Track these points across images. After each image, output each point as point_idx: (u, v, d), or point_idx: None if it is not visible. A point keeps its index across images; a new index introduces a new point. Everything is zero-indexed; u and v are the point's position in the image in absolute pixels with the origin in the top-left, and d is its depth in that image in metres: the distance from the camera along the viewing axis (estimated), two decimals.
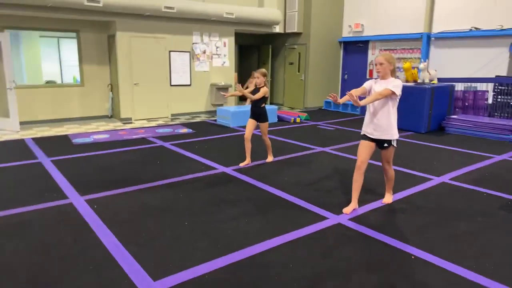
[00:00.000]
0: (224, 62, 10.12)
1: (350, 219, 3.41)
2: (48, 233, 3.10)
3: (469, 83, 8.06)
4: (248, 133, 5.10)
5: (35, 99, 8.23)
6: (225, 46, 10.06)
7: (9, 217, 3.40)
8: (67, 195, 3.94)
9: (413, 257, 2.77)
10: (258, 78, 4.97)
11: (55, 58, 13.02)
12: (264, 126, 5.11)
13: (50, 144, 6.27)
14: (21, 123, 7.76)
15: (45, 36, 12.20)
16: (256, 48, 12.40)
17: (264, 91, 4.94)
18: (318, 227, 3.25)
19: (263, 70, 5.05)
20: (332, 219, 3.41)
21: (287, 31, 11.00)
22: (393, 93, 3.32)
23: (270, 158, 5.33)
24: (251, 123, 5.11)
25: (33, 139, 6.69)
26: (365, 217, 3.47)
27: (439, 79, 8.15)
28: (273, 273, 2.55)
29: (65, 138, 6.76)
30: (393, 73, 3.42)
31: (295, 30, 10.78)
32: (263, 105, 5.07)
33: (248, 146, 5.13)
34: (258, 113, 5.07)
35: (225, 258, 2.72)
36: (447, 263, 2.68)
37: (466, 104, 8.06)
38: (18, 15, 7.50)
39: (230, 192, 4.08)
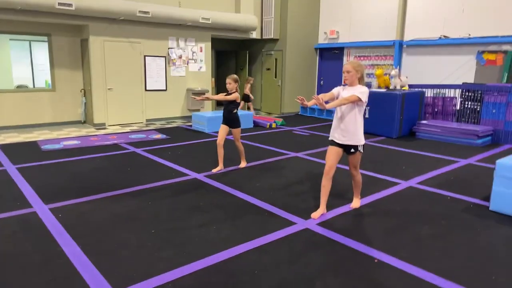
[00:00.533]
0: (200, 67, 10.10)
1: (318, 224, 3.44)
2: (8, 243, 3.00)
3: (438, 90, 8.31)
4: (220, 139, 5.09)
5: (4, 104, 7.99)
6: (201, 51, 10.04)
7: None
8: (31, 203, 3.83)
9: (376, 260, 2.82)
10: (229, 84, 4.98)
11: (27, 62, 12.68)
12: (237, 132, 5.12)
13: (17, 151, 6.09)
14: None
15: (15, 39, 11.88)
16: (234, 53, 12.43)
17: (235, 96, 4.96)
18: (286, 232, 3.27)
19: (235, 76, 5.07)
20: (300, 224, 3.43)
21: (264, 37, 11.09)
22: (359, 99, 3.39)
23: (243, 164, 5.34)
24: (223, 129, 5.12)
25: (0, 145, 6.48)
26: (333, 221, 3.52)
27: (410, 86, 8.37)
28: (238, 280, 2.54)
29: (34, 145, 6.58)
30: (361, 80, 3.49)
31: (272, 36, 10.88)
32: (235, 110, 5.08)
33: (220, 152, 5.12)
34: (230, 119, 5.08)
35: (191, 266, 2.70)
36: (410, 265, 2.74)
37: (436, 110, 8.29)
38: None
39: (200, 199, 4.06)
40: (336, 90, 3.60)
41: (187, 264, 2.72)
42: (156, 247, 2.99)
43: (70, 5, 7.28)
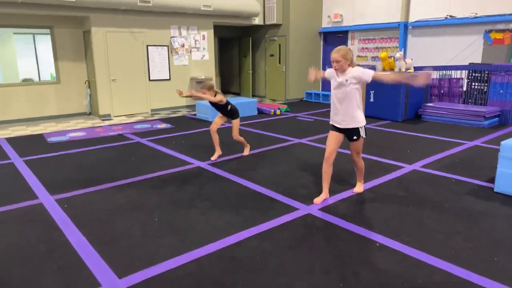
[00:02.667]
0: (203, 56, 10.05)
1: (319, 209, 3.45)
2: (14, 233, 3.07)
3: (444, 71, 8.17)
4: (214, 125, 5.07)
5: (11, 98, 8.06)
6: (204, 39, 9.98)
7: None
8: (37, 195, 3.90)
9: (378, 244, 2.83)
10: (204, 93, 4.80)
11: (32, 55, 12.76)
12: (236, 123, 5.07)
13: (24, 144, 6.17)
14: None
15: (19, 33, 11.93)
16: (237, 40, 12.33)
17: (217, 99, 4.79)
18: (288, 218, 3.29)
19: (207, 84, 4.89)
20: (302, 210, 3.44)
21: (267, 22, 10.96)
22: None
23: (246, 151, 5.33)
24: (220, 118, 5.09)
25: (7, 139, 6.57)
26: (335, 206, 3.52)
27: (416, 68, 8.24)
28: (239, 266, 2.57)
29: (40, 137, 6.66)
30: (351, 63, 3.41)
31: (275, 22, 10.75)
32: (229, 107, 5.00)
33: (215, 137, 5.10)
34: (228, 113, 5.04)
35: (192, 253, 2.73)
36: (412, 249, 2.74)
37: (442, 91, 8.17)
38: None
39: (203, 187, 4.09)
40: (328, 73, 3.55)
41: (189, 251, 2.75)
42: (159, 235, 3.03)
43: None
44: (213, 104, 4.93)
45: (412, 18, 9.30)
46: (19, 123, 8.10)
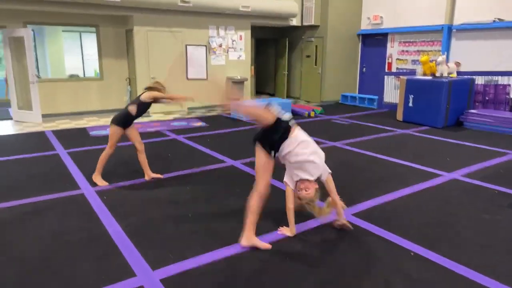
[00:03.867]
0: (240, 56, 10.14)
1: (353, 214, 3.40)
2: (58, 221, 3.25)
3: (490, 77, 7.79)
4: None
5: (58, 92, 8.51)
6: (241, 39, 10.07)
7: (23, 205, 3.57)
8: (79, 185, 4.10)
9: (412, 253, 2.75)
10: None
11: (78, 52, 13.40)
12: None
13: (68, 136, 6.50)
14: (44, 115, 8.06)
15: (67, 30, 12.55)
16: (273, 41, 12.35)
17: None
18: (320, 221, 3.26)
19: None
20: (334, 215, 3.40)
21: (304, 23, 10.90)
22: None
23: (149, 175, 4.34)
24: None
25: (53, 131, 6.95)
26: (368, 212, 3.46)
27: (459, 73, 7.91)
28: (269, 266, 2.59)
29: (83, 131, 6.99)
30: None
31: (312, 23, 10.67)
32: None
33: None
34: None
35: (224, 250, 2.78)
36: (448, 260, 2.64)
37: (487, 98, 7.80)
38: (39, 11, 7.74)
39: (236, 186, 4.14)
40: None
41: (221, 248, 2.80)
42: (192, 230, 3.10)
43: None
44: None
45: (456, 21, 8.93)
46: (64, 116, 8.53)
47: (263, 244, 2.81)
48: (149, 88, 4.12)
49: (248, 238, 2.81)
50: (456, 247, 2.84)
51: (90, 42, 12.46)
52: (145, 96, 4.06)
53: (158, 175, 4.38)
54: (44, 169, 4.70)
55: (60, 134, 6.67)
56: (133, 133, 4.25)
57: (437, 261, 2.64)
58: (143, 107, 4.12)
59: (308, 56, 11.40)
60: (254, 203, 2.79)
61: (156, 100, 4.11)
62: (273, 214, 3.26)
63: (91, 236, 2.99)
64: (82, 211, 3.46)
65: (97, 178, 4.17)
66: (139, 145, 4.28)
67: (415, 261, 2.65)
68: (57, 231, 3.07)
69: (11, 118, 8.22)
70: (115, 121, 4.13)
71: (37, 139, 6.32)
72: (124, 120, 4.13)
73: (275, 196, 3.24)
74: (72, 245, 2.86)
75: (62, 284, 2.38)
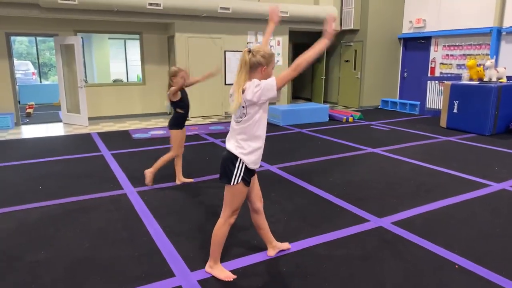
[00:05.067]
0: (278, 61, 10.17)
1: (392, 223, 3.30)
2: (103, 220, 3.40)
3: None
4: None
5: (103, 96, 8.93)
6: (279, 45, 10.11)
7: (71, 203, 3.77)
8: (122, 186, 4.27)
9: (457, 266, 2.62)
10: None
11: (122, 58, 14.02)
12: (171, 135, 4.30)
13: (112, 139, 6.80)
14: (90, 118, 8.48)
15: (113, 38, 13.16)
16: (311, 45, 12.26)
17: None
18: (358, 229, 3.19)
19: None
20: (373, 222, 3.32)
21: (343, 28, 10.77)
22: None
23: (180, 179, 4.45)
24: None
25: (99, 133, 7.29)
26: (410, 221, 3.34)
27: (509, 78, 7.48)
28: (306, 273, 2.56)
29: (126, 133, 7.28)
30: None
31: (352, 27, 10.52)
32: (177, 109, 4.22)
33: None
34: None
35: (260, 255, 2.78)
36: (496, 275, 2.50)
37: None
38: (88, 20, 8.18)
39: (273, 190, 4.14)
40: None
41: (257, 253, 2.81)
42: (230, 233, 3.12)
43: (158, 4, 7.85)
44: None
45: (506, 23, 8.47)
46: (109, 119, 8.93)
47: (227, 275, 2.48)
48: (168, 86, 4.06)
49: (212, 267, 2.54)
50: (506, 262, 2.67)
51: (134, 48, 13.02)
52: (169, 97, 4.06)
53: (190, 180, 4.47)
54: (90, 169, 4.94)
55: (105, 136, 6.99)
56: (174, 135, 4.33)
57: (484, 276, 2.50)
58: (179, 103, 4.14)
59: (347, 61, 11.24)
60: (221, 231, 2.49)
61: (182, 87, 4.03)
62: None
63: (133, 235, 3.10)
64: (125, 210, 3.60)
65: (148, 173, 4.25)
66: (181, 149, 4.35)
67: (460, 275, 2.52)
68: (101, 229, 3.22)
69: (61, 121, 8.72)
70: (170, 125, 4.24)
71: (84, 141, 6.66)
72: (176, 122, 4.23)
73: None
74: (115, 243, 2.97)
75: (104, 280, 2.48)
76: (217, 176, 4.35)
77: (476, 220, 3.39)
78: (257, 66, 2.26)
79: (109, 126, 8.16)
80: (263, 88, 2.18)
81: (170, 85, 4.05)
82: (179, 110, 4.18)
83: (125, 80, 13.27)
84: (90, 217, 3.44)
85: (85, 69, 12.61)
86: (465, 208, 3.65)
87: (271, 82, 2.19)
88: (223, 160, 2.36)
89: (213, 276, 2.50)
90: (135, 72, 12.72)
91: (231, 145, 2.35)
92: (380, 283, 2.43)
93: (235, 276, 2.49)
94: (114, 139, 6.79)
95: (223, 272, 2.51)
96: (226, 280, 2.45)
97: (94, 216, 3.47)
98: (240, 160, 2.32)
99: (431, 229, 3.21)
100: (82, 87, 8.10)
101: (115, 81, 12.18)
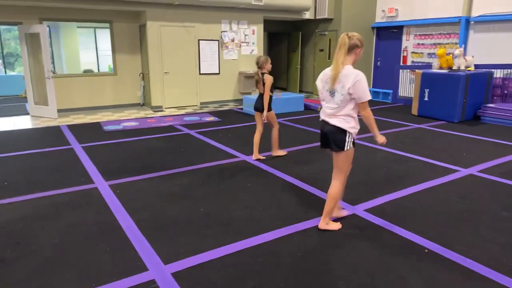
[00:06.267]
0: (252, 50, 10.10)
1: (365, 210, 3.36)
2: (73, 215, 3.30)
3: (509, 70, 7.57)
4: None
5: (73, 87, 8.62)
6: (253, 33, 10.02)
7: (39, 199, 3.64)
8: (93, 179, 4.15)
9: (426, 251, 2.70)
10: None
11: (92, 48, 13.56)
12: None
13: (83, 131, 6.59)
14: (60, 110, 8.18)
15: (82, 26, 12.69)
16: (286, 35, 12.25)
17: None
18: (333, 217, 3.23)
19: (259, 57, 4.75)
20: (347, 210, 3.37)
21: (318, 17, 10.77)
22: None
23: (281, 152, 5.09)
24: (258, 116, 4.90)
25: (68, 126, 7.05)
26: (382, 208, 3.41)
27: (477, 66, 7.71)
28: (281, 262, 2.58)
29: (97, 125, 7.07)
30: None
31: (326, 16, 10.54)
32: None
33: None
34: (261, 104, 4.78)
35: (235, 245, 2.78)
36: (464, 258, 2.59)
37: (506, 92, 7.59)
38: (54, 7, 7.83)
39: (248, 180, 4.13)
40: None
41: (232, 243, 2.80)
42: (204, 225, 3.11)
43: None
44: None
45: (475, 13, 8.70)
46: (79, 111, 8.64)
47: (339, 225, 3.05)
48: (257, 74, 4.68)
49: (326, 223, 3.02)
50: (474, 246, 2.77)
51: (104, 37, 12.60)
52: (271, 83, 4.68)
53: (283, 153, 5.07)
54: (59, 163, 4.78)
55: (75, 129, 6.77)
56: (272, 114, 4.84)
57: (453, 259, 2.58)
58: (272, 89, 4.79)
59: (321, 50, 11.28)
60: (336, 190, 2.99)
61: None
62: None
63: (105, 229, 3.02)
64: (96, 205, 3.50)
65: (278, 153, 5.01)
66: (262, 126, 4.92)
67: (431, 259, 2.60)
68: (73, 224, 3.12)
69: (28, 113, 8.38)
70: (268, 108, 4.76)
71: (53, 134, 6.43)
72: (270, 104, 4.77)
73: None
74: (87, 238, 2.89)
75: (76, 276, 2.41)
76: (192, 167, 4.30)
77: (445, 205, 3.50)
78: (354, 47, 2.73)
79: (80, 118, 7.91)
80: (360, 90, 2.70)
81: (259, 74, 4.67)
82: (271, 94, 4.74)
83: (96, 70, 12.86)
84: (59, 213, 3.33)
85: (53, 59, 12.13)
86: (435, 193, 3.76)
87: (366, 96, 2.76)
88: (332, 134, 2.86)
89: (188, 268, 2.48)
90: (107, 62, 12.34)
91: (336, 121, 2.83)
92: (354, 270, 2.47)
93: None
94: (85, 131, 6.59)
95: (336, 224, 3.04)
96: (338, 228, 2.99)
97: (64, 212, 3.36)
98: (347, 131, 2.83)
99: (403, 215, 3.29)
100: (50, 78, 7.79)
101: (85, 71, 11.78)
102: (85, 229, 3.04)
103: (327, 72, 2.86)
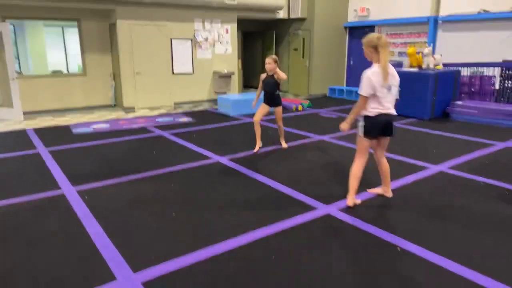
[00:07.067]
0: (226, 49, 10.01)
1: (339, 210, 3.36)
2: (37, 224, 3.14)
3: (475, 68, 7.83)
4: (258, 116, 5.20)
5: (40, 88, 8.29)
6: (227, 32, 9.93)
7: (1, 207, 3.44)
8: (60, 185, 3.98)
9: (399, 249, 2.72)
10: (269, 64, 4.99)
11: (60, 47, 13.08)
12: (279, 110, 5.23)
13: (50, 134, 6.33)
14: (26, 112, 7.85)
15: (49, 25, 12.22)
16: (260, 34, 12.23)
17: (282, 76, 4.98)
18: (307, 217, 3.22)
19: (274, 56, 5.10)
20: (321, 210, 3.37)
21: (291, 16, 10.81)
22: None
23: (284, 145, 5.46)
24: (263, 107, 5.23)
25: (35, 129, 6.76)
26: (355, 208, 3.42)
27: (445, 64, 7.93)
28: (254, 265, 2.53)
29: (66, 128, 6.82)
30: None
31: (299, 16, 10.59)
32: (277, 91, 5.17)
33: (257, 129, 5.23)
34: (276, 100, 5.18)
35: (208, 250, 2.71)
36: (435, 255, 2.62)
37: (472, 89, 7.84)
38: (18, 5, 7.49)
39: (221, 182, 4.07)
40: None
41: (204, 248, 2.73)
42: (176, 230, 3.03)
43: None
44: (268, 86, 5.12)
45: (442, 13, 8.95)
46: (47, 113, 8.32)
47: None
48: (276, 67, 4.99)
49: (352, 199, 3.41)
50: (444, 241, 2.82)
51: (73, 37, 12.17)
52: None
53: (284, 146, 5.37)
54: (23, 168, 4.56)
55: (42, 132, 6.50)
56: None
57: (425, 257, 2.61)
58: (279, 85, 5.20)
59: (295, 49, 11.33)
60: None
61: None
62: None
63: (71, 238, 2.89)
64: (62, 212, 3.35)
65: (285, 145, 5.44)
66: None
67: (403, 257, 2.62)
68: (36, 233, 2.97)
69: None
70: (281, 103, 5.26)
71: (17, 138, 6.14)
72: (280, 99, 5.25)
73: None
74: (51, 249, 2.75)
75: None
76: (164, 170, 4.21)
77: (416, 202, 3.55)
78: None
79: (48, 120, 7.60)
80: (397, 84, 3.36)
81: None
82: (278, 90, 5.13)
83: (65, 71, 12.42)
84: (23, 221, 3.16)
85: (18, 59, 11.62)
86: (406, 191, 3.81)
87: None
88: (393, 123, 3.37)
89: (158, 277, 2.39)
90: (76, 62, 11.93)
91: (394, 111, 3.38)
92: (328, 271, 2.46)
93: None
94: (53, 134, 6.33)
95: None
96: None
97: (28, 220, 3.19)
98: None
99: (376, 214, 3.31)
100: (14, 78, 7.45)
101: (53, 72, 11.35)
102: (50, 238, 2.90)
103: (376, 71, 3.24)
